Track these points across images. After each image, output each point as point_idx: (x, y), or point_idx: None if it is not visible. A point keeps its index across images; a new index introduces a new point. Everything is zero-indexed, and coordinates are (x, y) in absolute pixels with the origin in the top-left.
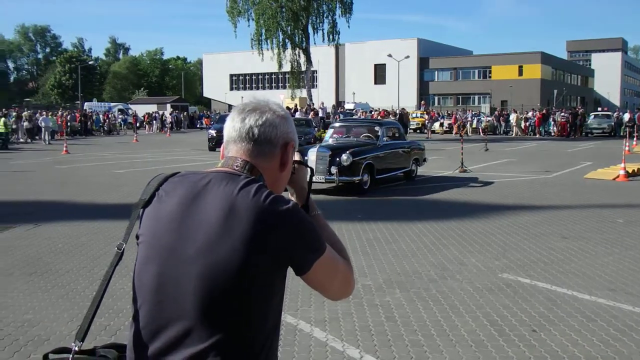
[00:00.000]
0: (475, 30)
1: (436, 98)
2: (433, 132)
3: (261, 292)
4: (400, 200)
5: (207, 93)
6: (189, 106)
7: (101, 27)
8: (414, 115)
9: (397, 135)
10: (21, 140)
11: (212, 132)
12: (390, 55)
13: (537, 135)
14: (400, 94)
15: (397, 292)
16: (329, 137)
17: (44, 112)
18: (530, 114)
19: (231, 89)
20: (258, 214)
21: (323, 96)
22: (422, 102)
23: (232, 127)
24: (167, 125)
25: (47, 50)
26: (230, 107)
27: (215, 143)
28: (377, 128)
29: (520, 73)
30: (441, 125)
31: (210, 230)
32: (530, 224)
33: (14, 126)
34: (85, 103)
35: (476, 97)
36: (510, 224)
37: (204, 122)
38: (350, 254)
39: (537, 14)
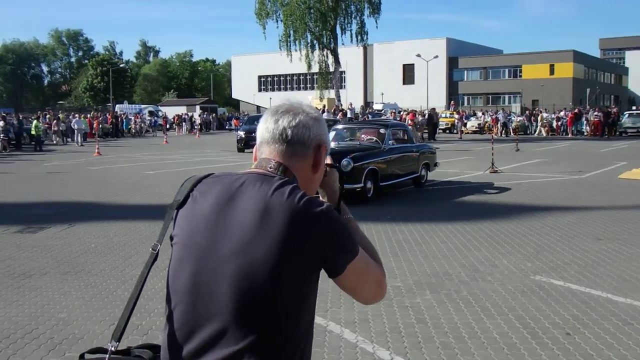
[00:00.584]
0: (506, 28)
1: (465, 98)
2: (463, 132)
3: (295, 293)
4: (421, 204)
5: (235, 94)
6: (218, 108)
7: (132, 30)
8: (443, 115)
9: (404, 138)
10: (54, 142)
11: (241, 133)
12: (419, 55)
13: (570, 135)
14: (429, 94)
15: (427, 294)
16: (330, 140)
17: (77, 115)
18: (562, 113)
19: (259, 90)
20: (292, 215)
21: (351, 97)
22: (452, 102)
23: (265, 128)
24: (196, 127)
25: (80, 53)
26: (258, 108)
27: (244, 144)
28: (382, 130)
29: (552, 72)
30: (463, 125)
31: (244, 231)
32: (563, 225)
33: (44, 127)
34: (117, 105)
35: (506, 96)
36: (543, 225)
37: (233, 123)
38: (380, 256)
39: (569, 11)
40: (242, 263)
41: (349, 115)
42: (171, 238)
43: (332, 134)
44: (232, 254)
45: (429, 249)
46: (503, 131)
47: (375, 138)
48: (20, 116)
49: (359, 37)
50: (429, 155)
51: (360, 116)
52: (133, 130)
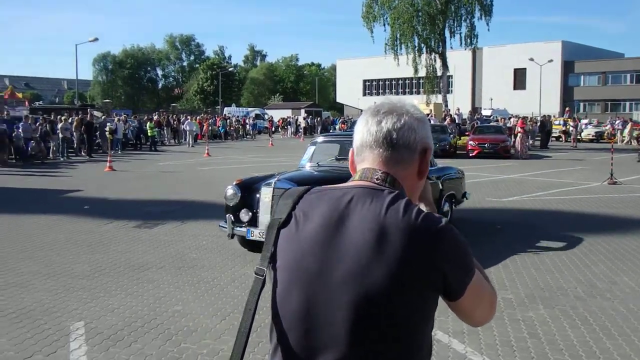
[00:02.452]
0: (628, 31)
1: (582, 104)
2: (579, 140)
3: (416, 318)
4: (531, 215)
5: (340, 98)
6: (322, 111)
7: (241, 35)
8: (556, 122)
9: None
10: (167, 143)
11: None
12: (532, 59)
13: None
14: (541, 100)
15: (540, 308)
16: (308, 159)
17: (188, 117)
18: None
19: (364, 94)
20: (411, 234)
21: (459, 102)
22: (567, 109)
23: (366, 131)
24: (300, 130)
25: (192, 58)
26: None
27: None
28: None
29: None
30: (578, 133)
31: (359, 255)
32: None
33: (156, 127)
34: (225, 108)
35: (627, 103)
36: None
37: (339, 127)
38: (490, 269)
39: None
40: (358, 289)
41: (456, 121)
42: (272, 260)
43: (309, 150)
44: (347, 280)
45: (541, 260)
46: (629, 140)
47: None
48: (139, 117)
49: (469, 41)
50: (454, 182)
51: (468, 122)
52: (233, 134)
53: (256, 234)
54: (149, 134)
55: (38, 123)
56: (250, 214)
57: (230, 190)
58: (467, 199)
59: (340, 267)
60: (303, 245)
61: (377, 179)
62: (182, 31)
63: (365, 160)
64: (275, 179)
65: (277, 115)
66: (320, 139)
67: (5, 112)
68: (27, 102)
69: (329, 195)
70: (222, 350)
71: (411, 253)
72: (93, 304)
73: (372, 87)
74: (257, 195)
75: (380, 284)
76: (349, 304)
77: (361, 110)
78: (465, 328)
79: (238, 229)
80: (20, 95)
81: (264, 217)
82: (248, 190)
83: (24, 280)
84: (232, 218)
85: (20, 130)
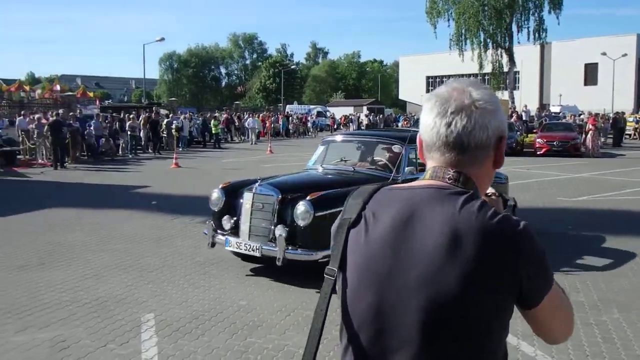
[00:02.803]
0: None
1: None
2: None
3: (490, 324)
4: (603, 215)
5: (402, 95)
6: (385, 108)
7: (303, 33)
8: (630, 119)
9: None
10: (231, 140)
11: None
12: (604, 54)
13: None
14: (614, 95)
15: (615, 312)
16: (315, 160)
17: (251, 115)
18: None
19: (427, 91)
20: (486, 236)
21: (526, 99)
22: None
23: (435, 132)
24: (362, 127)
25: (254, 56)
26: None
27: None
28: (395, 147)
29: None
30: None
31: (432, 258)
32: None
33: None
34: (287, 106)
35: None
36: None
37: (402, 124)
38: (561, 271)
39: None
40: (431, 293)
41: (523, 118)
42: (341, 261)
43: (318, 151)
44: (419, 284)
45: (614, 263)
46: None
47: (384, 161)
48: (204, 115)
49: (537, 35)
50: (500, 189)
51: (535, 119)
52: (291, 131)
53: (234, 244)
54: (213, 132)
55: (107, 121)
56: (232, 221)
57: (214, 194)
58: (510, 205)
59: (411, 270)
60: (373, 247)
61: (449, 179)
62: (245, 30)
63: (434, 158)
64: (257, 184)
65: (339, 112)
66: (331, 137)
67: (78, 111)
68: (97, 101)
69: (399, 195)
70: (287, 345)
71: (486, 256)
72: (162, 296)
73: (435, 83)
74: (241, 201)
75: (453, 289)
76: (421, 307)
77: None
78: None
79: (219, 237)
80: (91, 94)
81: (245, 225)
82: (234, 194)
83: (98, 272)
84: (214, 225)
85: (91, 128)
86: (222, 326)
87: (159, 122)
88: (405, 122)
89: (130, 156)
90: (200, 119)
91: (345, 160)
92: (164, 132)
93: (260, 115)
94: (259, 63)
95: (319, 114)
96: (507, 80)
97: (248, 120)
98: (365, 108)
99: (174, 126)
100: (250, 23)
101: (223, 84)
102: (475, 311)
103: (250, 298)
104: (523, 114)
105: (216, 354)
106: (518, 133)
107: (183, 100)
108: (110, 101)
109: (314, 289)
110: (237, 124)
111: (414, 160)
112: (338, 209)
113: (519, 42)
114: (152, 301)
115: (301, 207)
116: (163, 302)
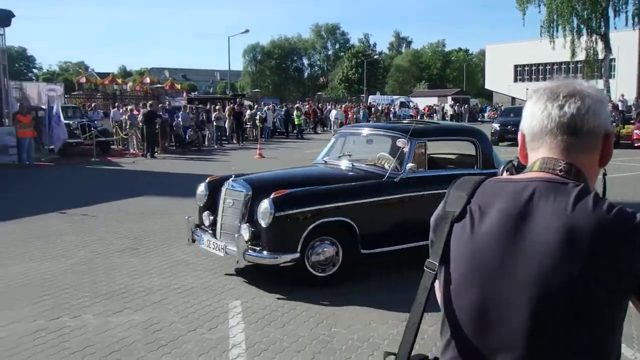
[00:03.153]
0: None
1: None
2: None
3: (606, 324)
4: None
5: (488, 85)
6: (470, 99)
7: (386, 22)
8: None
9: (463, 159)
10: (314, 131)
11: (496, 125)
12: None
13: None
14: None
15: None
16: (322, 155)
17: (333, 105)
18: None
19: (515, 80)
20: (603, 231)
21: (622, 87)
22: None
23: (546, 115)
24: (447, 118)
25: (337, 46)
26: (513, 99)
27: (499, 137)
28: (399, 142)
29: None
30: None
31: (546, 253)
32: None
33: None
34: (369, 96)
35: None
36: None
37: (488, 115)
38: None
39: None
40: (543, 289)
41: (620, 108)
42: (444, 255)
43: (329, 144)
44: (530, 282)
45: None
46: None
47: (388, 156)
48: (285, 106)
49: (636, 20)
50: None
51: (633, 109)
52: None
53: (205, 242)
54: (296, 122)
55: (194, 112)
56: (211, 217)
57: (199, 188)
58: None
59: (523, 266)
60: (480, 242)
61: (560, 171)
62: (328, 20)
63: (543, 147)
64: (231, 179)
65: (423, 103)
66: (344, 130)
67: (167, 103)
68: (184, 93)
69: (507, 188)
70: (372, 337)
71: (603, 251)
72: (249, 284)
73: (523, 72)
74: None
75: (567, 285)
76: (532, 303)
77: (512, 98)
78: (635, 333)
79: (197, 234)
80: (178, 86)
81: (219, 222)
82: (217, 189)
83: (187, 259)
84: (195, 220)
85: (179, 119)
86: (307, 315)
87: (243, 114)
88: (492, 113)
89: (215, 147)
90: (283, 110)
91: (349, 155)
92: (248, 123)
93: (343, 106)
94: (341, 53)
95: (402, 104)
96: (602, 69)
97: (332, 112)
98: (449, 98)
99: (257, 117)
100: (332, 13)
101: (305, 75)
102: (588, 310)
103: (335, 288)
104: (619, 103)
105: (301, 342)
106: (614, 124)
107: (266, 92)
108: (196, 93)
109: (399, 280)
110: (319, 114)
111: (423, 155)
112: (304, 209)
113: (615, 28)
114: (238, 288)
115: (262, 205)
116: (249, 290)
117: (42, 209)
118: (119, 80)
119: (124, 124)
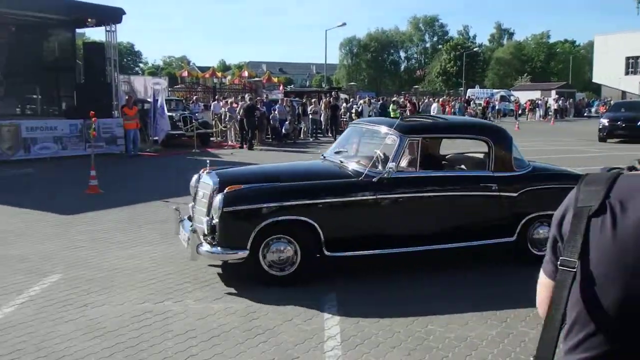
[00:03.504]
0: None
1: None
2: None
3: None
4: None
5: (596, 78)
6: (576, 93)
7: (487, 13)
8: None
9: (471, 162)
10: None
11: (604, 121)
12: None
13: None
14: None
15: None
16: (333, 150)
17: (430, 98)
18: None
19: (626, 73)
20: None
21: None
22: None
23: None
24: (550, 113)
25: (435, 39)
26: (624, 93)
27: (607, 133)
28: (389, 138)
29: None
30: None
31: None
32: None
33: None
34: (468, 90)
35: None
36: None
37: (595, 109)
38: None
39: None
40: None
41: None
42: (582, 251)
43: (343, 135)
44: None
45: None
46: None
47: (378, 152)
48: (381, 99)
49: None
50: (544, 195)
51: None
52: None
53: (181, 234)
54: (392, 116)
55: (290, 105)
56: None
57: (192, 179)
58: None
59: None
60: (624, 240)
61: None
62: (426, 12)
63: None
64: (205, 171)
65: (524, 97)
66: (353, 123)
67: (264, 96)
68: (281, 86)
69: None
70: (469, 337)
71: None
72: (344, 277)
73: (636, 65)
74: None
75: None
76: None
77: (622, 92)
78: None
79: (181, 227)
80: (275, 79)
81: (193, 215)
82: None
83: None
84: (180, 212)
85: (276, 112)
86: (401, 311)
87: (339, 107)
88: (602, 108)
89: (311, 139)
90: (378, 103)
91: (346, 151)
92: (344, 117)
93: (440, 99)
94: (440, 46)
95: (503, 98)
96: None
97: (433, 105)
98: (553, 92)
99: (353, 110)
100: (431, 5)
101: (402, 67)
102: None
103: (431, 284)
104: None
105: (397, 338)
106: None
107: (362, 85)
108: (292, 86)
109: (498, 279)
110: (418, 108)
111: (416, 153)
112: (256, 206)
113: None
114: (333, 281)
115: (215, 199)
116: (344, 283)
117: (147, 197)
118: (219, 74)
119: (223, 117)
